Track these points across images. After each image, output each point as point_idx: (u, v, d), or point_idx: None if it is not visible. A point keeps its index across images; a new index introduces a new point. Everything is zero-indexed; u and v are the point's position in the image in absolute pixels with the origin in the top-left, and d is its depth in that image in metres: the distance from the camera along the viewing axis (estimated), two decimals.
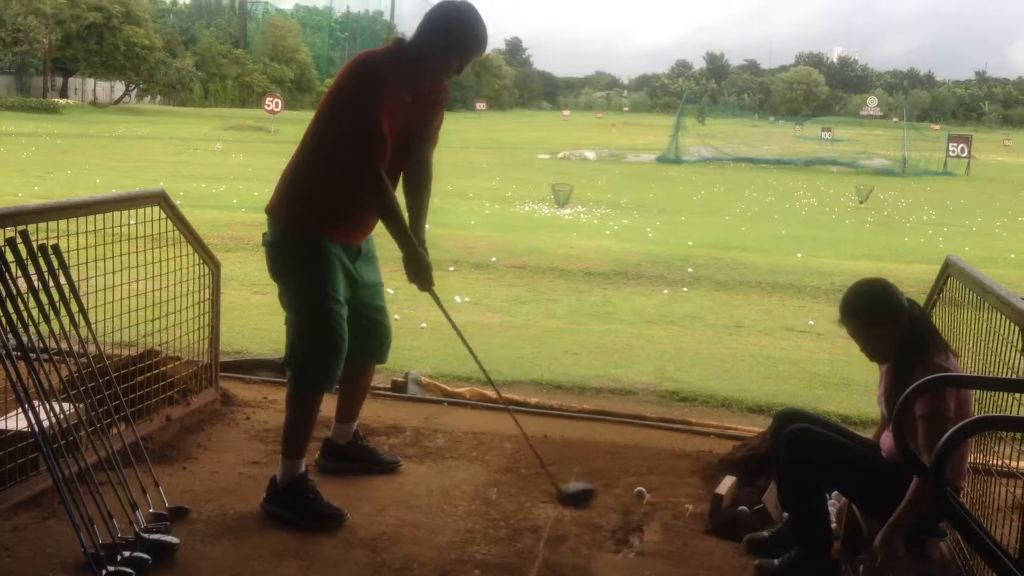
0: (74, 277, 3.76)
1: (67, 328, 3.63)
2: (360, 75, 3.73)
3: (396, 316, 8.01)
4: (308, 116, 4.28)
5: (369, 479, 4.25)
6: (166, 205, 4.53)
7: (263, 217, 3.94)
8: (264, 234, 3.91)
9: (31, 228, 3.63)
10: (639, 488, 4.20)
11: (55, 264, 3.64)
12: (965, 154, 37.11)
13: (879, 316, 3.49)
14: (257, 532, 3.69)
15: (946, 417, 3.18)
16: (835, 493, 3.92)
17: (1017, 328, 3.10)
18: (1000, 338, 3.34)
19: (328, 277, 3.81)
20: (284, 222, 3.84)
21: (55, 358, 3.59)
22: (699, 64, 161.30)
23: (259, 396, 5.36)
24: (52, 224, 3.86)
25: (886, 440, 3.56)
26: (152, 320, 4.53)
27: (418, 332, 7.63)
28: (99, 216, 4.13)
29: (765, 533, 3.74)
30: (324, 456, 4.33)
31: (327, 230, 3.81)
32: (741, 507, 3.95)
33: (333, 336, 3.81)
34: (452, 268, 10.79)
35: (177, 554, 3.45)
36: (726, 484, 4.05)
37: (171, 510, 3.71)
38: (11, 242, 3.50)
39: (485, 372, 4.44)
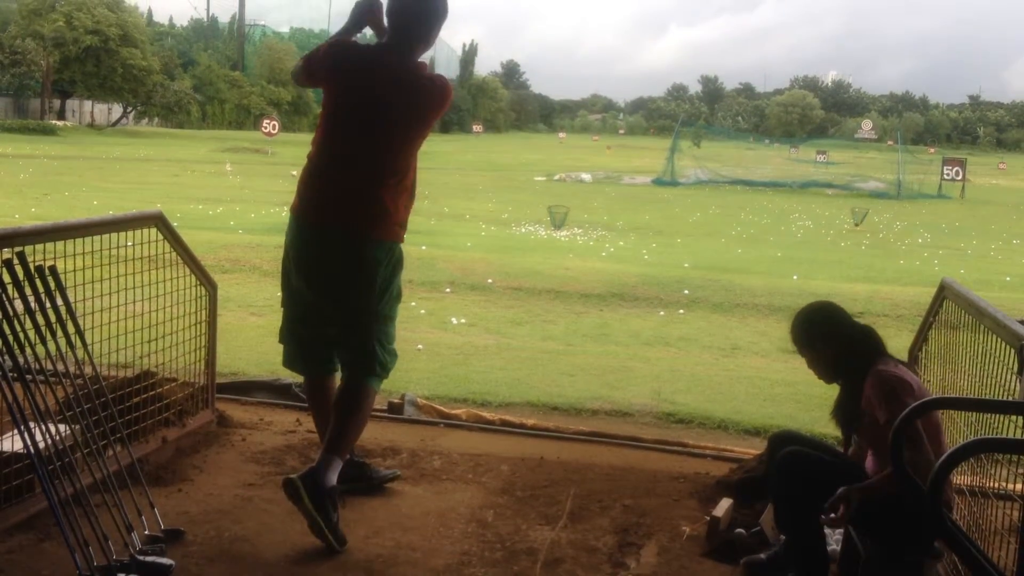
0: (71, 298, 3.76)
1: (63, 349, 3.63)
2: None
3: None
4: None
5: (364, 500, 4.23)
6: (163, 226, 4.53)
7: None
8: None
9: (28, 249, 3.63)
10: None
11: (52, 285, 3.63)
12: (960, 177, 37.25)
13: (819, 336, 3.61)
14: (252, 554, 3.67)
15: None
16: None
17: (1013, 350, 3.10)
18: (996, 360, 3.35)
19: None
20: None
21: (51, 379, 3.58)
22: (695, 87, 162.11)
23: (255, 418, 5.35)
24: (49, 245, 3.85)
25: (868, 463, 3.58)
26: (148, 341, 4.52)
27: (414, 354, 7.62)
28: (96, 238, 4.12)
29: (763, 556, 3.73)
30: None
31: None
32: (738, 530, 3.94)
33: None
34: (448, 289, 10.79)
35: None
36: (723, 506, 4.04)
37: (166, 532, 3.70)
38: (8, 263, 3.50)
39: None
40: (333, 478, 3.77)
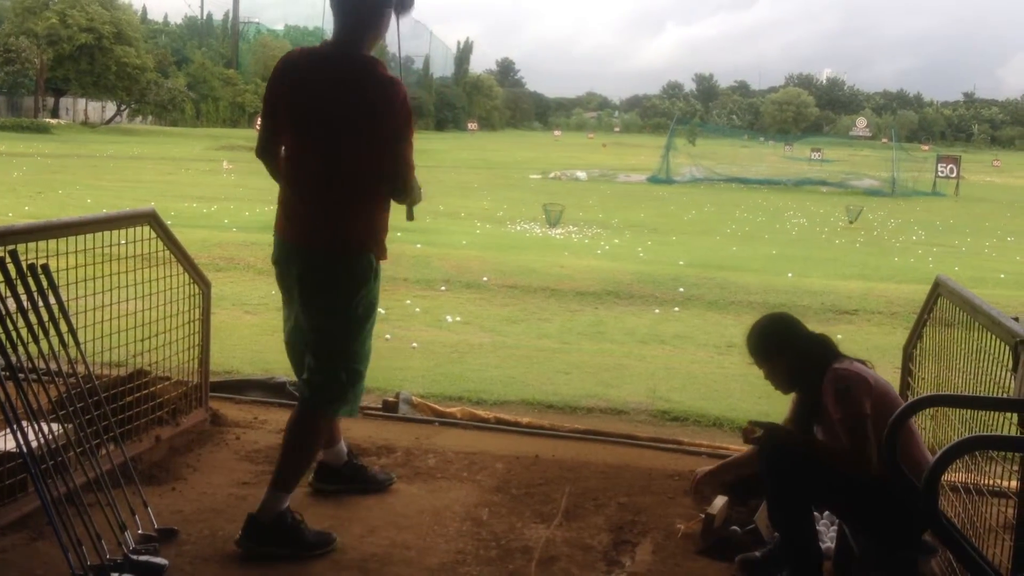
0: (64, 297, 3.75)
1: (56, 348, 3.62)
2: None
3: (387, 336, 8.05)
4: None
5: (359, 499, 4.23)
6: (156, 225, 4.52)
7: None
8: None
9: (21, 248, 3.62)
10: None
11: (44, 284, 3.63)
12: (954, 175, 37.29)
13: (775, 347, 3.68)
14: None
15: (863, 416, 3.35)
16: (827, 513, 3.92)
17: (1008, 347, 3.10)
18: (990, 357, 3.35)
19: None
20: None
21: (44, 378, 3.57)
22: (690, 85, 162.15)
23: (249, 416, 5.33)
24: (42, 244, 3.84)
25: None
26: (142, 340, 4.51)
27: (409, 352, 7.62)
28: (89, 236, 4.12)
29: (757, 554, 3.73)
30: (320, 479, 4.28)
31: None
32: (733, 527, 3.95)
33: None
34: (443, 287, 10.79)
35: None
36: (718, 504, 4.04)
37: (160, 531, 3.69)
38: (0, 262, 3.48)
39: None
40: (280, 507, 3.68)
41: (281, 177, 3.79)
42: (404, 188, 3.70)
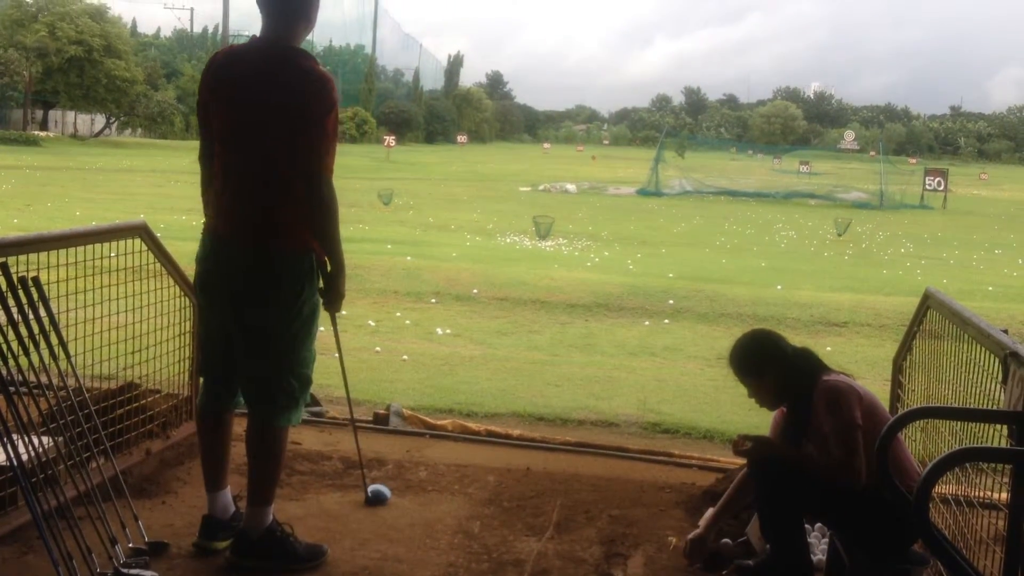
0: (54, 309, 3.74)
1: (46, 361, 3.60)
2: None
3: (377, 348, 8.04)
4: None
5: (350, 512, 4.22)
6: (147, 237, 4.51)
7: None
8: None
9: (11, 260, 3.61)
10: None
11: (35, 296, 3.61)
12: (942, 188, 37.48)
13: (762, 363, 3.68)
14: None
15: (855, 426, 3.37)
16: (818, 525, 3.93)
17: (997, 360, 3.12)
18: (980, 369, 3.37)
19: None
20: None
21: (34, 391, 3.55)
22: (678, 98, 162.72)
23: (239, 429, 5.27)
24: (32, 256, 3.82)
25: None
26: (132, 352, 4.51)
27: (399, 364, 7.61)
28: (79, 248, 4.10)
29: (751, 562, 3.73)
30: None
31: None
32: (724, 539, 3.95)
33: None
34: (434, 300, 10.79)
35: None
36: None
37: (150, 545, 3.67)
38: None
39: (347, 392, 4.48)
40: (266, 520, 3.65)
41: (216, 177, 3.62)
42: (314, 187, 3.41)
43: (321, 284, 3.62)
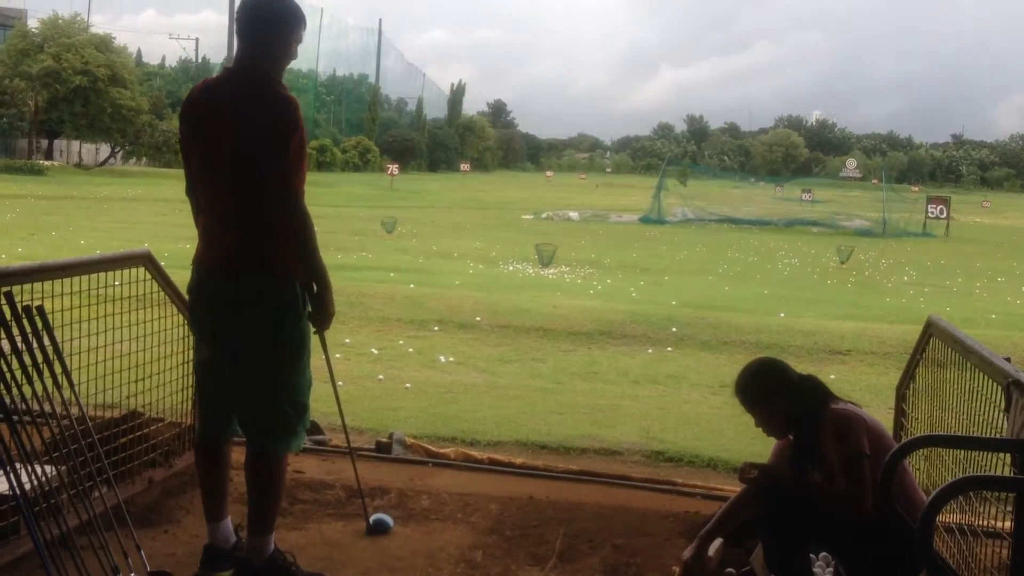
0: (58, 338, 3.75)
1: (50, 390, 3.61)
2: None
3: (380, 376, 8.04)
4: None
5: (353, 541, 4.21)
6: (151, 266, 4.53)
7: None
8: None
9: (15, 289, 3.62)
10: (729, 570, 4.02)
11: (39, 325, 3.62)
12: (944, 215, 37.55)
13: (771, 391, 3.67)
14: None
15: (863, 455, 3.37)
16: (823, 554, 3.91)
17: (999, 387, 3.12)
18: (983, 397, 3.37)
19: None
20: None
21: (37, 420, 3.56)
22: (680, 127, 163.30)
23: (242, 458, 5.29)
24: (36, 285, 3.84)
25: None
26: (135, 381, 4.51)
27: (402, 392, 7.61)
28: (83, 277, 4.12)
29: None
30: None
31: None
32: (729, 569, 3.93)
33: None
34: (436, 328, 10.78)
35: None
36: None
37: (152, 574, 3.66)
38: None
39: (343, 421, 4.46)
40: (268, 549, 3.65)
41: (202, 210, 3.67)
42: (286, 211, 3.43)
43: (310, 308, 3.62)
